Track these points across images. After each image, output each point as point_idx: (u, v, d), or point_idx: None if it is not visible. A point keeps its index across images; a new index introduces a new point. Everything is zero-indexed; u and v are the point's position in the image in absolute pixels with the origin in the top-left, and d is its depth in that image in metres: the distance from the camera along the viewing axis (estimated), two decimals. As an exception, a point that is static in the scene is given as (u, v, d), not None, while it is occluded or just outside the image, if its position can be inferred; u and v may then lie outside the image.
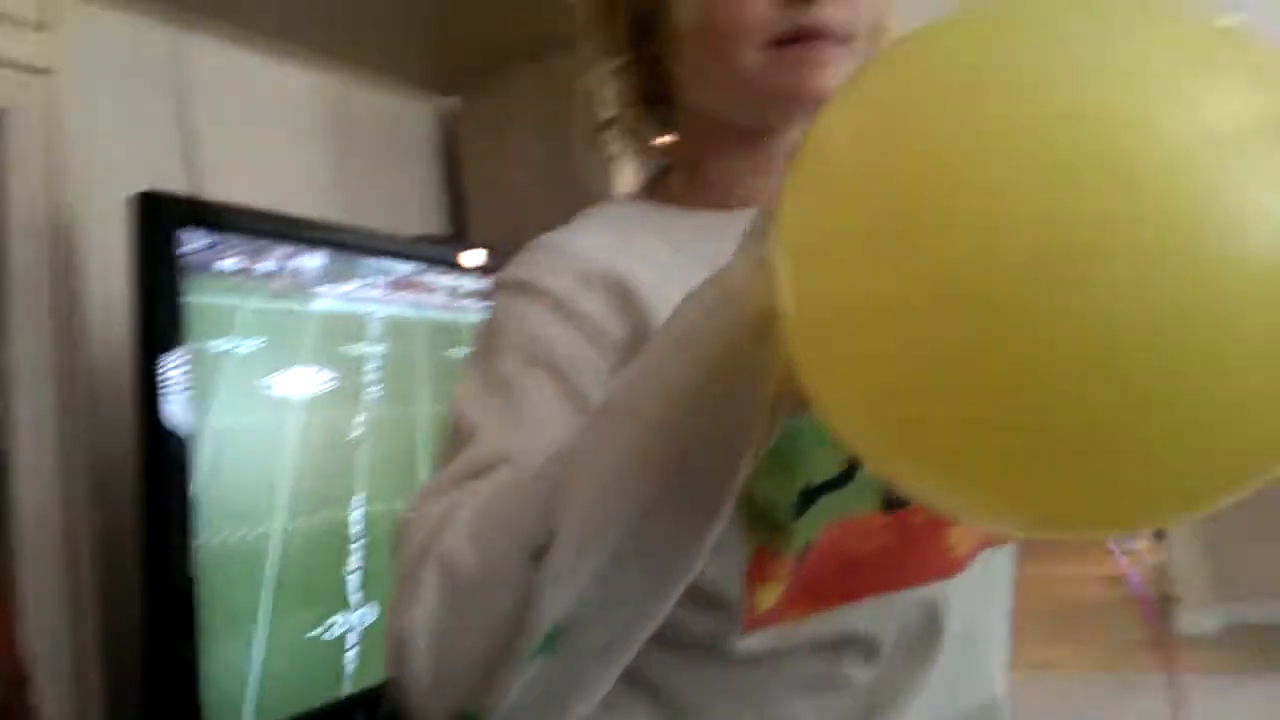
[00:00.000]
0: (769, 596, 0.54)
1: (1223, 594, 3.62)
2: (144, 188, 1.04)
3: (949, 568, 0.58)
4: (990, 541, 0.61)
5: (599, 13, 0.64)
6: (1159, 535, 3.81)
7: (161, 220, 1.04)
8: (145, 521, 1.01)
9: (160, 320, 1.03)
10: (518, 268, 0.59)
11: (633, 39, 0.63)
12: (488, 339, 0.57)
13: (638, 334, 0.55)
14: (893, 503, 0.56)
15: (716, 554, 0.46)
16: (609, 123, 0.67)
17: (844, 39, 0.57)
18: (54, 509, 1.00)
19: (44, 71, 1.06)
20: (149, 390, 1.02)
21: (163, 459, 1.00)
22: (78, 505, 1.01)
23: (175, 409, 1.02)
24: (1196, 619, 3.60)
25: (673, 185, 0.66)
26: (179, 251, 1.06)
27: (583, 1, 0.65)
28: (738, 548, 0.53)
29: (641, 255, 0.59)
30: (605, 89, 0.65)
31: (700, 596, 0.52)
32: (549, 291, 0.56)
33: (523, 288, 0.57)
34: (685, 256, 0.56)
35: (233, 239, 1.13)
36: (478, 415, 0.52)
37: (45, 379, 1.02)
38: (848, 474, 0.54)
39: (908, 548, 0.57)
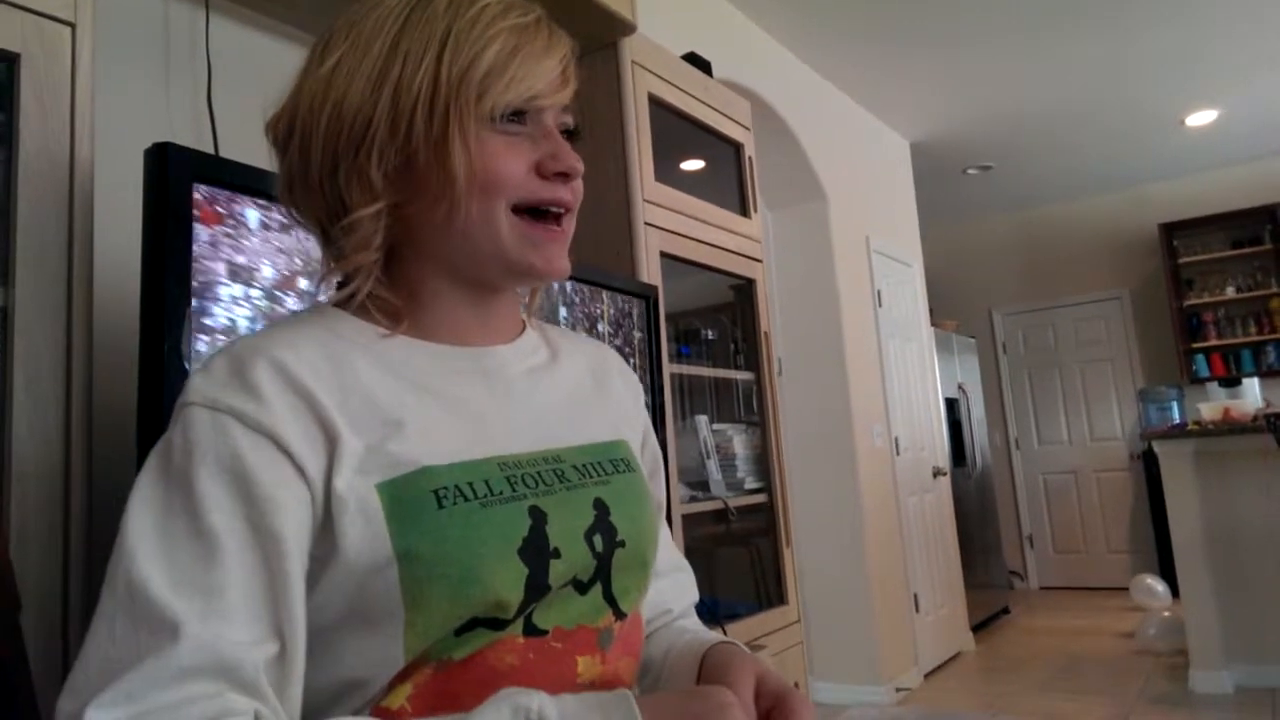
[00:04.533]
0: (398, 697, 0.61)
1: (1235, 655, 3.56)
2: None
3: (575, 691, 0.64)
4: (626, 686, 0.70)
5: (355, 165, 0.66)
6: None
7: (178, 173, 1.02)
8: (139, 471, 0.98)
9: (170, 270, 1.00)
10: (222, 388, 0.60)
11: (385, 189, 0.67)
12: (182, 464, 0.58)
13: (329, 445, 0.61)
14: (533, 631, 0.64)
15: (378, 645, 0.60)
16: (346, 266, 0.69)
17: (572, 211, 0.72)
18: (51, 447, 0.97)
19: (63, 22, 1.05)
20: (154, 338, 0.98)
21: (164, 407, 0.97)
22: (76, 444, 0.99)
23: (178, 359, 1.00)
24: (1209, 679, 3.54)
25: (386, 311, 0.70)
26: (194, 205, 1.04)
27: (336, 155, 0.67)
28: (398, 649, 0.60)
29: (350, 379, 0.64)
30: (347, 236, 0.67)
31: (347, 681, 0.61)
32: (255, 428, 0.59)
33: (225, 413, 0.59)
34: (398, 380, 0.66)
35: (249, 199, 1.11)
36: (166, 589, 0.54)
37: (48, 320, 0.99)
38: (509, 620, 0.63)
39: (541, 666, 0.64)
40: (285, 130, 0.69)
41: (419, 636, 0.60)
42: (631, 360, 1.83)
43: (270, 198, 1.13)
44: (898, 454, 4.32)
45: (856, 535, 3.87)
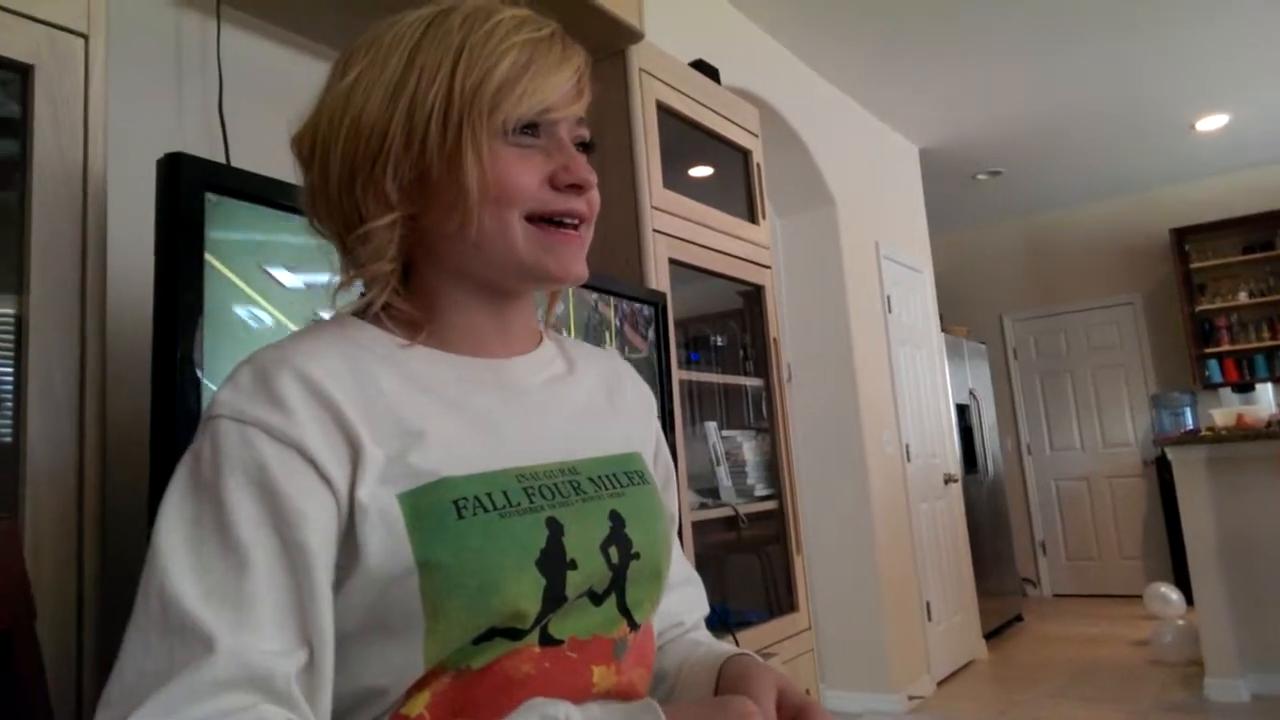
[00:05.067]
0: (417, 705, 0.61)
1: (1251, 663, 3.53)
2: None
3: (591, 700, 0.65)
4: (640, 695, 0.71)
5: (371, 177, 0.67)
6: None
7: (190, 182, 1.03)
8: (153, 477, 0.98)
9: (183, 279, 1.01)
10: (249, 400, 0.61)
11: (400, 201, 0.67)
12: (210, 476, 0.59)
13: (352, 452, 0.61)
14: (549, 640, 0.65)
15: (399, 653, 0.60)
16: (362, 275, 0.70)
17: (589, 222, 0.72)
18: (65, 455, 0.97)
19: (76, 33, 1.05)
20: (167, 346, 0.99)
21: (176, 414, 0.98)
22: (90, 452, 0.99)
23: (190, 367, 1.00)
24: (1225, 688, 3.51)
25: (405, 322, 0.71)
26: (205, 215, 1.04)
27: (353, 167, 0.68)
28: (418, 657, 0.61)
29: (372, 389, 0.64)
30: (362, 246, 0.68)
31: (367, 689, 0.61)
32: (282, 439, 0.60)
33: (252, 425, 0.60)
34: (418, 391, 0.66)
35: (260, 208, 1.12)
36: (198, 602, 0.55)
37: (62, 328, 1.00)
38: (526, 631, 0.63)
39: (557, 675, 0.64)
40: (308, 146, 0.70)
41: (438, 645, 0.61)
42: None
43: (282, 207, 1.14)
44: (908, 460, 4.30)
45: (867, 542, 3.86)
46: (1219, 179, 5.98)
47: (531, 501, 0.66)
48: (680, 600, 0.86)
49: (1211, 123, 4.99)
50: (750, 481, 2.43)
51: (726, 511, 2.26)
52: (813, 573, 3.78)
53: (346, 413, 0.62)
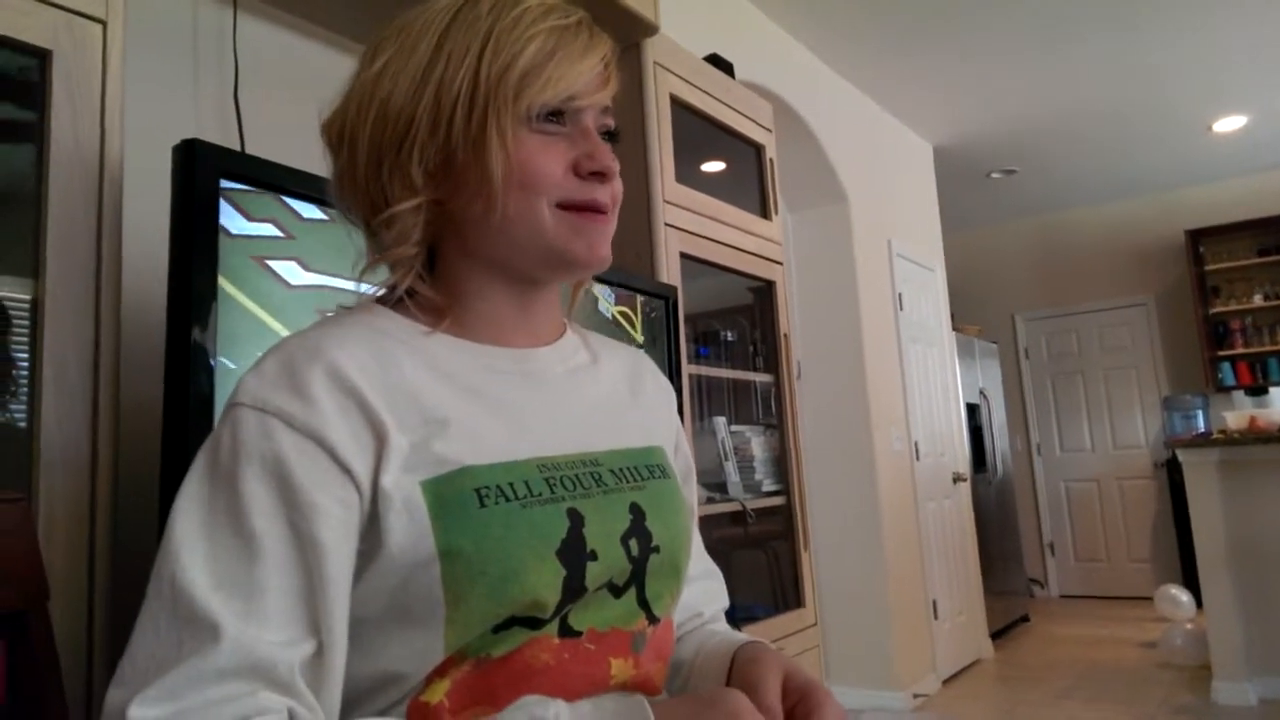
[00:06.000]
0: (437, 692, 0.61)
1: (1259, 667, 3.51)
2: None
3: (608, 691, 0.67)
4: (656, 689, 0.72)
5: (397, 162, 0.68)
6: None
7: (205, 169, 1.03)
8: (165, 462, 0.99)
9: (197, 265, 1.01)
10: (272, 389, 0.61)
11: (426, 185, 0.68)
12: (228, 464, 0.59)
13: (377, 442, 0.62)
14: (568, 632, 0.65)
15: (419, 639, 0.61)
16: (387, 258, 0.70)
17: (613, 210, 0.72)
18: (79, 439, 0.98)
19: (94, 19, 1.06)
20: (181, 332, 1.00)
21: (189, 399, 0.99)
22: (103, 436, 1.00)
23: (204, 353, 1.01)
24: (1232, 691, 3.50)
25: (430, 308, 0.71)
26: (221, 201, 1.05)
27: (380, 152, 0.68)
28: (439, 644, 0.61)
29: (397, 376, 0.65)
30: (387, 230, 0.69)
31: (387, 674, 0.62)
32: (302, 430, 0.60)
33: (273, 414, 0.60)
34: (442, 379, 0.67)
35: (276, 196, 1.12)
36: (208, 590, 0.56)
37: (77, 313, 1.01)
38: (545, 620, 0.63)
39: (575, 666, 0.65)
40: (337, 132, 0.71)
41: (458, 633, 0.61)
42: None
43: (296, 194, 1.15)
44: (917, 459, 4.29)
45: (875, 539, 3.85)
46: (1236, 181, 5.93)
47: (553, 492, 0.66)
48: (700, 592, 0.87)
49: (1229, 124, 4.94)
50: (758, 477, 2.43)
51: (734, 506, 2.26)
52: (819, 569, 3.77)
53: (371, 401, 0.62)
